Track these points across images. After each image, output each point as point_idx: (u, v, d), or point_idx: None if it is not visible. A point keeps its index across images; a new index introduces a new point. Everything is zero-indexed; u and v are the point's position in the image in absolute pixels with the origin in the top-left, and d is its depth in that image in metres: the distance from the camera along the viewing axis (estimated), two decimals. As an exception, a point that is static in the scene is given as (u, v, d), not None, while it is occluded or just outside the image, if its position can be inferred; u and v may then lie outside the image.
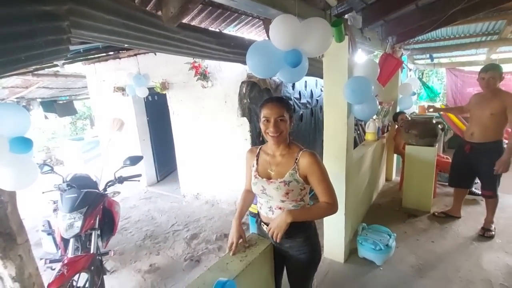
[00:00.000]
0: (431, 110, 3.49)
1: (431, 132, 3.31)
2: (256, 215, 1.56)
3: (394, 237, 2.57)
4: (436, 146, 3.40)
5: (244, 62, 1.95)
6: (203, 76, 3.47)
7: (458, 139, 3.49)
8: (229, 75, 3.42)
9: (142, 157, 2.62)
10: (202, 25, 2.67)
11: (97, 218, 2.25)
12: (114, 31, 1.44)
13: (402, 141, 3.81)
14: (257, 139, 3.37)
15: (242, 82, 3.20)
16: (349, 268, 2.50)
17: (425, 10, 2.88)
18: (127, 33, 1.51)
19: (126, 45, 1.86)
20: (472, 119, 2.81)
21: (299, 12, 1.70)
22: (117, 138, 4.90)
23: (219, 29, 2.81)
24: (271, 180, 1.34)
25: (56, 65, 3.23)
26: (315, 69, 2.48)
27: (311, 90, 4.19)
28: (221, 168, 3.83)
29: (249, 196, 1.58)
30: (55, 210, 2.38)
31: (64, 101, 6.67)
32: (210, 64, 3.48)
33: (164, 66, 3.95)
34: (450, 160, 3.20)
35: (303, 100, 3.98)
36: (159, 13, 1.67)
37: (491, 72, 2.55)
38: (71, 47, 1.89)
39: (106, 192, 2.44)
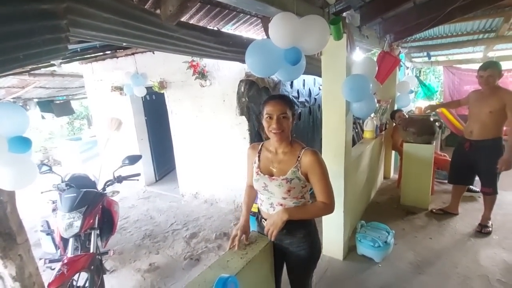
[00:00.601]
0: (428, 111, 3.45)
1: (429, 130, 3.33)
2: (256, 214, 1.56)
3: (392, 234, 2.59)
4: (434, 144, 3.41)
5: (242, 61, 1.95)
6: (201, 75, 3.47)
7: (455, 137, 3.49)
8: (227, 73, 3.41)
9: (141, 156, 2.62)
10: (201, 24, 2.66)
11: (97, 218, 2.25)
12: (112, 30, 1.43)
13: (400, 138, 3.83)
14: (256, 138, 3.37)
15: (241, 81, 3.20)
16: (348, 265, 2.52)
17: (422, 8, 2.89)
18: (125, 31, 1.50)
19: (124, 44, 1.86)
20: (471, 117, 2.82)
21: (297, 10, 1.69)
22: (115, 138, 4.89)
23: (217, 27, 2.81)
24: (273, 177, 1.35)
25: (53, 65, 3.22)
26: (314, 67, 2.48)
27: (309, 89, 4.19)
28: (219, 167, 3.83)
29: (252, 192, 1.59)
30: (54, 210, 2.38)
31: (61, 101, 6.63)
32: (208, 63, 3.48)
33: (162, 65, 3.94)
34: (448, 158, 3.21)
35: (302, 99, 3.98)
36: (158, 11, 1.66)
37: (490, 70, 2.55)
38: (69, 46, 1.88)
39: (105, 192, 2.44)
